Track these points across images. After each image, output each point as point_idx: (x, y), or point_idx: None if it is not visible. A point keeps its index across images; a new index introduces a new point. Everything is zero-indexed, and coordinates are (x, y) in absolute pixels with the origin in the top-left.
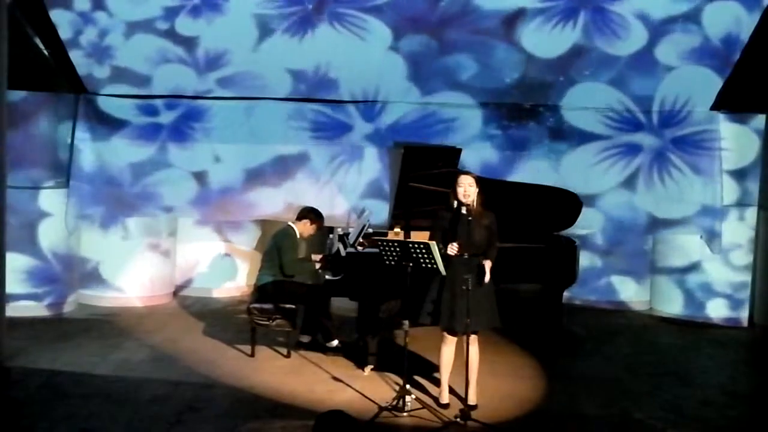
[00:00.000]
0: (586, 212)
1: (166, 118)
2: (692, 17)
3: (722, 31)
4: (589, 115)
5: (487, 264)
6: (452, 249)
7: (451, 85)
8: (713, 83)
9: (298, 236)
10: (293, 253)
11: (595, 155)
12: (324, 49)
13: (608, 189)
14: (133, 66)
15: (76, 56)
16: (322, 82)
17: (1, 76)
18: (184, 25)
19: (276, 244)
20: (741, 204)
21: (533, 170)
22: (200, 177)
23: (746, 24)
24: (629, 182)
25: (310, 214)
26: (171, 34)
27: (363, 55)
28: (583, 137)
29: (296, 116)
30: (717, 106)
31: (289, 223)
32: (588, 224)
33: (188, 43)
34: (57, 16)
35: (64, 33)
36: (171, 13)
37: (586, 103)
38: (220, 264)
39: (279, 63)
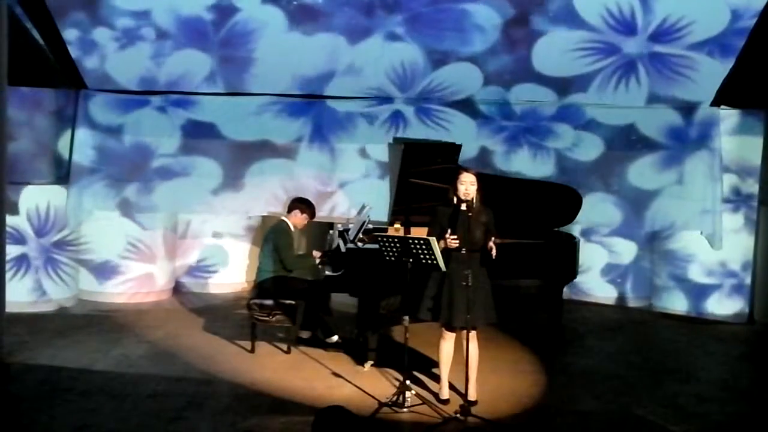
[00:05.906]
0: None
1: (167, 111)
2: None
3: None
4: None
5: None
6: (453, 242)
7: None
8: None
9: (292, 230)
10: (291, 250)
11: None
12: None
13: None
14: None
15: (75, 51)
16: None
17: (1, 73)
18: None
19: (272, 241)
20: (741, 200)
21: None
22: (201, 172)
23: None
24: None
25: (300, 205)
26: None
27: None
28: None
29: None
30: (718, 101)
31: (282, 218)
32: None
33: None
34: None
35: (65, 28)
36: None
37: None
38: (221, 260)
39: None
